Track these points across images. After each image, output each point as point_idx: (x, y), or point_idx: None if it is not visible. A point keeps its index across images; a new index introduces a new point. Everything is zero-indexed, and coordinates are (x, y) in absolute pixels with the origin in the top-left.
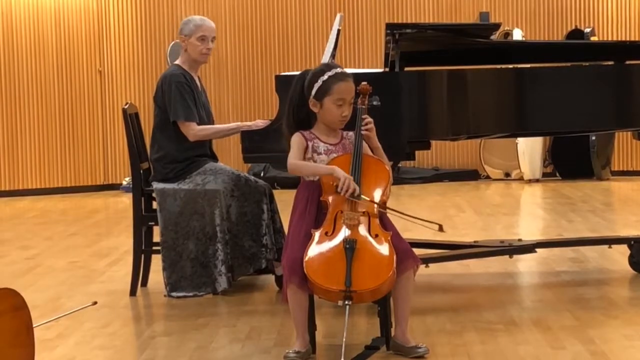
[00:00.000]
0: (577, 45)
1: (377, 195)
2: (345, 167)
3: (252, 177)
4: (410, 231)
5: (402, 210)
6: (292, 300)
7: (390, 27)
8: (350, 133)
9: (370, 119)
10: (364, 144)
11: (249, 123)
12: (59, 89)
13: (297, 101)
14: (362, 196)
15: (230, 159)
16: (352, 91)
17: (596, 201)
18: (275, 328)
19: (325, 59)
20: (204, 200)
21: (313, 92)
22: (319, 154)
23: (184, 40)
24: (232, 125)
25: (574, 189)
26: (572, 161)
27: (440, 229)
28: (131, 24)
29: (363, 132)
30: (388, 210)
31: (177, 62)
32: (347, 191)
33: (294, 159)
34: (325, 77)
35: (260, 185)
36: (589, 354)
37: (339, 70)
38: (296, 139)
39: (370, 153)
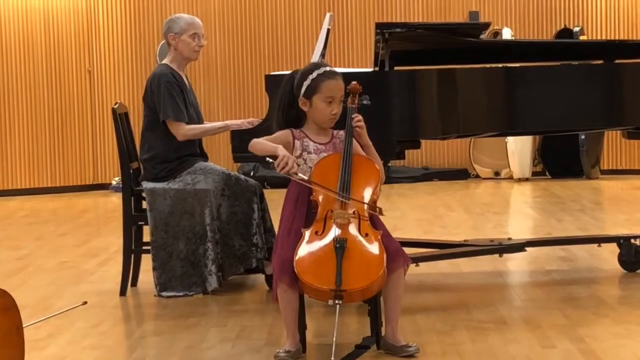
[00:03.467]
0: (566, 45)
1: (367, 194)
2: (336, 166)
3: (242, 177)
4: (400, 230)
5: (390, 210)
6: (283, 299)
7: (380, 26)
8: (341, 132)
9: (360, 117)
10: (355, 143)
11: (237, 122)
12: (48, 89)
13: (287, 101)
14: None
15: (220, 159)
16: (341, 89)
17: (586, 200)
18: (265, 327)
19: (315, 58)
20: (194, 199)
21: (302, 91)
22: (309, 153)
23: (173, 38)
24: (221, 123)
25: (563, 188)
26: (561, 160)
27: (380, 212)
28: (120, 24)
29: (355, 128)
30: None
31: (164, 61)
32: (282, 168)
33: (257, 139)
34: (314, 75)
35: (250, 184)
36: (579, 353)
37: (327, 68)
38: (281, 133)
39: (361, 151)
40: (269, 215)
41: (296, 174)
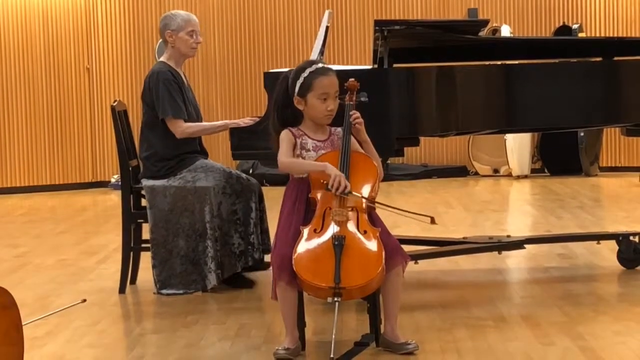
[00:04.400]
0: (565, 42)
1: (366, 191)
2: (334, 164)
3: (243, 175)
4: (399, 227)
5: (391, 205)
6: (282, 297)
7: (379, 23)
8: (339, 129)
9: (358, 114)
10: (353, 140)
11: (236, 120)
12: (47, 86)
13: (282, 101)
14: (354, 192)
15: (219, 156)
16: (335, 85)
17: (585, 197)
18: (264, 325)
19: (314, 55)
20: (194, 197)
21: (296, 89)
22: (308, 150)
23: (171, 35)
24: (220, 122)
25: (562, 185)
26: (560, 157)
27: (432, 221)
28: (119, 22)
29: (354, 125)
30: (377, 205)
31: (162, 59)
32: (337, 189)
33: (284, 156)
34: (306, 73)
35: (251, 183)
36: (578, 350)
37: (319, 65)
38: (285, 136)
39: (359, 148)
40: (266, 217)
41: (351, 192)
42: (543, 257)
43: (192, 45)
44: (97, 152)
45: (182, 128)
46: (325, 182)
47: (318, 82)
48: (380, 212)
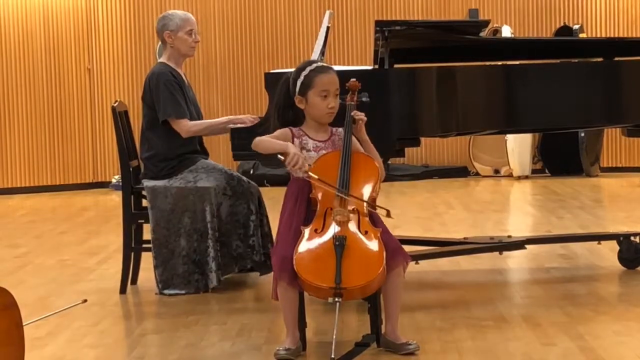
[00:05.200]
0: (566, 42)
1: (367, 192)
2: (335, 164)
3: (244, 178)
4: (400, 228)
5: (390, 208)
6: (283, 297)
7: (380, 24)
8: (340, 129)
9: (362, 114)
10: (354, 140)
11: (240, 117)
12: (47, 87)
13: (283, 103)
14: (311, 174)
15: (219, 157)
16: (335, 82)
17: (585, 198)
18: (265, 325)
19: (315, 56)
20: (195, 197)
21: (297, 88)
22: (308, 150)
23: (170, 36)
24: (224, 119)
25: (563, 186)
26: (561, 158)
27: (388, 214)
28: (120, 22)
29: (358, 121)
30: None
31: (161, 59)
32: (294, 166)
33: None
34: (307, 71)
35: (252, 186)
36: (579, 350)
37: (319, 63)
38: (281, 131)
39: (360, 148)
40: (267, 220)
41: (308, 172)
42: (544, 257)
43: (192, 44)
44: (97, 152)
45: (187, 127)
46: (283, 159)
47: (318, 80)
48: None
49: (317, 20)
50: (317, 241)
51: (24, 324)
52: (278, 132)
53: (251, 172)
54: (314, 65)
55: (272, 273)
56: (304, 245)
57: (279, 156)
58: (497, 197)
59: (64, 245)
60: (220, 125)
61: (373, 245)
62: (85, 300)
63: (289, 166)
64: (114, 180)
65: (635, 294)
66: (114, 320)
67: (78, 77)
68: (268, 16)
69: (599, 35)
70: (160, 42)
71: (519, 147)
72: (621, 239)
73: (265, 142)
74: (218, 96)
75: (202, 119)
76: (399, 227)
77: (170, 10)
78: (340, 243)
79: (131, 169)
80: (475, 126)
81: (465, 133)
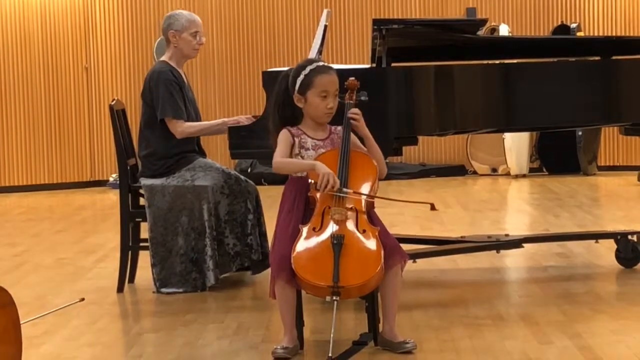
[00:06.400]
0: (563, 41)
1: (365, 190)
2: (333, 162)
3: (242, 177)
4: (397, 226)
5: (387, 206)
6: (280, 296)
7: (377, 22)
8: (339, 128)
9: (357, 110)
10: (354, 138)
11: (236, 118)
12: (45, 85)
13: (282, 100)
14: (345, 189)
15: (217, 155)
16: (335, 83)
17: (583, 196)
18: (263, 324)
19: (313, 54)
20: (192, 195)
21: (296, 87)
22: (307, 149)
23: (174, 35)
24: (219, 121)
25: (560, 184)
26: (558, 156)
27: (433, 207)
28: (117, 21)
29: (350, 121)
30: (375, 198)
31: (163, 58)
32: (325, 187)
33: (279, 156)
34: (307, 71)
35: (250, 185)
36: (576, 349)
37: (320, 63)
38: (283, 136)
39: (360, 146)
40: (263, 220)
41: (341, 189)
42: (541, 256)
43: (195, 46)
44: (95, 151)
45: (182, 128)
46: (314, 182)
47: (318, 80)
48: (379, 210)
49: (314, 18)
50: (315, 240)
51: (21, 322)
52: (282, 140)
53: (249, 170)
54: (315, 64)
55: (267, 271)
56: (302, 244)
57: (310, 180)
58: (495, 196)
59: (61, 244)
60: (216, 127)
61: (371, 244)
62: (83, 299)
63: (321, 188)
64: (111, 179)
65: (632, 292)
66: (112, 318)
67: (75, 76)
68: (266, 15)
69: (596, 34)
70: (158, 40)
71: (516, 145)
72: (618, 237)
73: (288, 164)
74: (215, 94)
75: (200, 120)
76: (396, 226)
77: (175, 10)
78: (338, 242)
79: (129, 168)
80: (473, 125)
81: (463, 132)
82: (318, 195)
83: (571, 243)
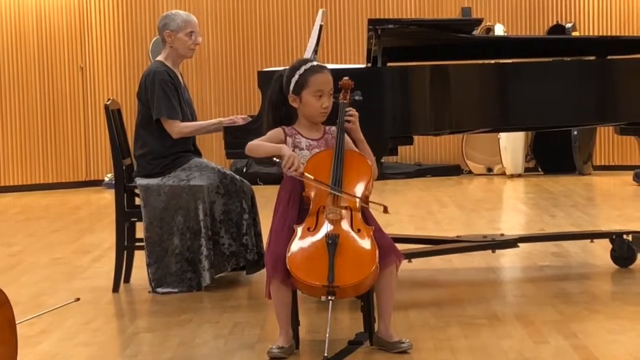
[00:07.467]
0: (559, 41)
1: (360, 189)
2: (328, 162)
3: (237, 177)
4: (392, 226)
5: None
6: (275, 296)
7: (373, 22)
8: (333, 128)
9: (354, 111)
10: (348, 139)
11: (232, 117)
12: (40, 85)
13: (276, 100)
14: (307, 174)
15: (212, 155)
16: (329, 82)
17: (578, 196)
18: (258, 324)
19: (308, 54)
20: (188, 195)
21: (291, 87)
22: (301, 149)
23: (170, 35)
24: (214, 120)
25: (556, 184)
26: (554, 156)
27: (385, 210)
28: (113, 21)
29: (346, 124)
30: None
31: (159, 58)
32: (289, 168)
33: (256, 141)
34: (301, 70)
35: (245, 185)
36: (572, 348)
37: (314, 63)
38: (273, 132)
39: (354, 147)
40: (259, 220)
41: (303, 173)
42: (537, 255)
43: (191, 46)
44: (90, 150)
45: (178, 128)
46: (279, 160)
47: (313, 80)
48: (374, 210)
49: (310, 18)
50: (310, 239)
51: (16, 322)
52: (270, 132)
53: (244, 170)
54: (309, 64)
55: (263, 271)
56: (297, 244)
57: (275, 159)
58: (490, 196)
59: (56, 244)
60: (212, 127)
61: (366, 243)
62: (78, 299)
63: (284, 168)
64: (106, 179)
65: (628, 292)
66: (107, 318)
67: (71, 76)
68: (261, 14)
69: (591, 34)
70: (153, 40)
71: (511, 145)
72: (614, 237)
73: (258, 147)
74: (211, 94)
75: (196, 120)
76: (391, 225)
77: (169, 9)
78: (332, 241)
79: (124, 167)
80: (468, 124)
81: (459, 131)
82: (313, 194)
83: (567, 243)
